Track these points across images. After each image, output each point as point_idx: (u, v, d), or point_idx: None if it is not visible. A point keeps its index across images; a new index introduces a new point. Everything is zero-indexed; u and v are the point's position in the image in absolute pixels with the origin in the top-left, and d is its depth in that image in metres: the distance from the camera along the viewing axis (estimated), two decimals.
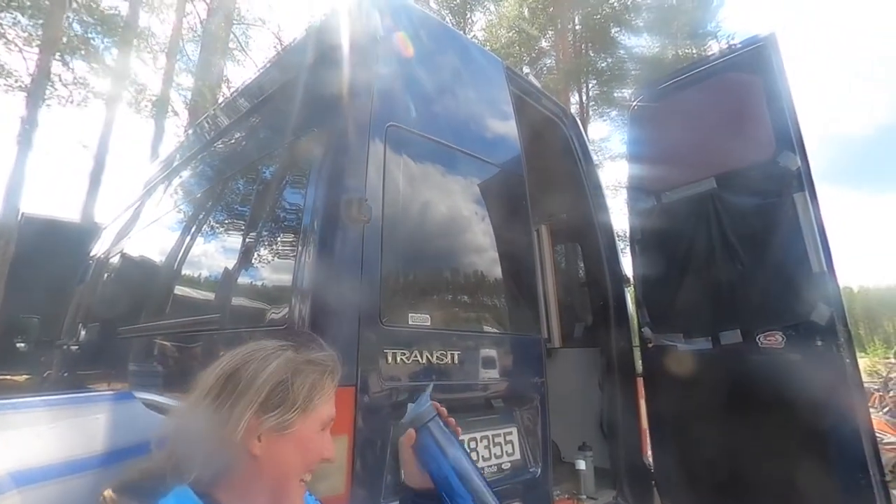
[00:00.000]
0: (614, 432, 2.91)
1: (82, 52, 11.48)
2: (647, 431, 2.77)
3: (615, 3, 22.21)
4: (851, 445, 2.07)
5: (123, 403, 0.94)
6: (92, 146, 12.55)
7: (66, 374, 4.06)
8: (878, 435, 3.62)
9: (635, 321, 2.93)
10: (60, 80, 10.98)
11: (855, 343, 2.26)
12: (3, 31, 10.35)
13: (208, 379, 0.82)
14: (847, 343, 2.11)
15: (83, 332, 3.80)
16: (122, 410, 0.92)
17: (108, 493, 0.78)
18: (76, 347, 3.86)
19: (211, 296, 2.24)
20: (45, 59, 10.17)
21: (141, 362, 2.64)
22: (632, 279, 2.97)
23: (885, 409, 4.81)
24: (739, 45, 2.68)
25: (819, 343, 2.14)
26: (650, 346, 2.71)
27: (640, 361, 2.83)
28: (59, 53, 10.59)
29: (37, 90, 9.22)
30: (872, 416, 2.54)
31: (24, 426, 0.76)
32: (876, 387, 5.51)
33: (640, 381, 2.83)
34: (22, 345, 4.90)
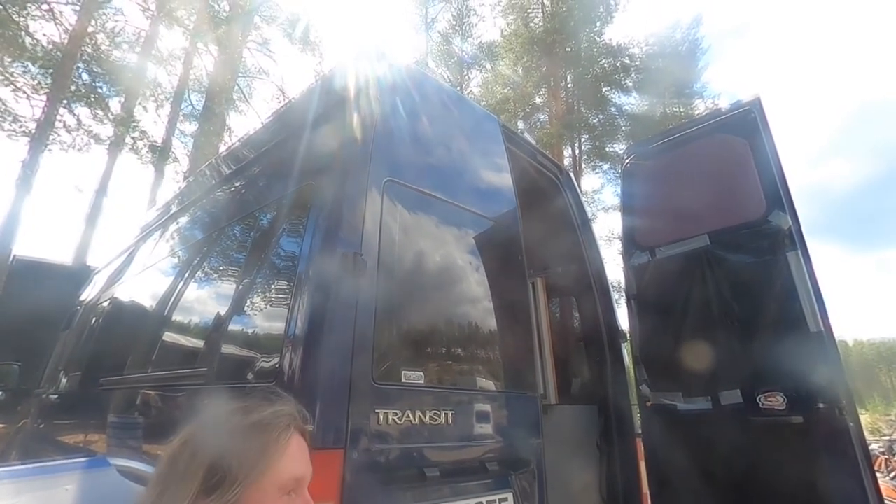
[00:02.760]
0: (614, 496, 2.79)
1: (90, 100, 11.79)
2: (648, 496, 2.65)
3: (605, 64, 23.32)
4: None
5: (96, 472, 0.88)
6: (90, 190, 12.66)
7: (42, 425, 3.89)
8: (886, 502, 3.49)
9: (633, 377, 2.87)
10: (65, 127, 11.20)
11: (854, 399, 2.21)
12: (13, 78, 10.65)
13: (161, 460, 0.77)
14: (849, 405, 2.06)
15: (64, 381, 3.68)
16: (94, 480, 0.86)
17: None
18: (55, 397, 3.72)
19: (198, 348, 2.18)
20: (52, 107, 10.43)
21: (122, 417, 2.53)
22: (628, 334, 2.94)
23: (892, 474, 4.65)
24: (726, 109, 2.78)
25: (821, 405, 2.10)
26: (648, 405, 2.64)
27: (640, 421, 2.75)
28: (65, 101, 10.86)
29: (41, 136, 9.38)
30: (880, 482, 2.45)
31: None
32: (881, 449, 5.36)
33: (640, 441, 2.74)
34: (0, 393, 4.72)
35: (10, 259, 7.11)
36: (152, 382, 2.33)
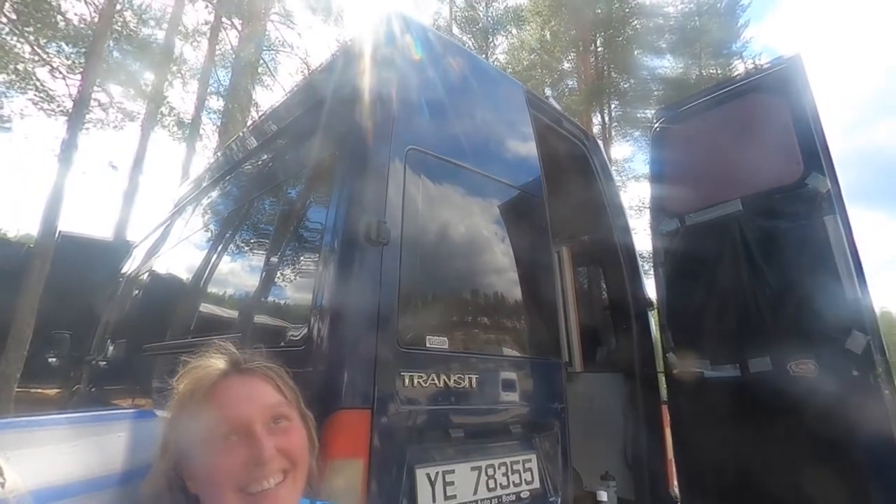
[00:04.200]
0: (639, 462, 2.81)
1: (121, 78, 12.05)
2: (673, 461, 2.66)
3: (637, 25, 22.30)
4: (893, 482, 1.96)
5: (145, 421, 0.96)
6: (126, 167, 13.06)
7: (93, 390, 4.16)
8: None
9: (659, 346, 2.85)
10: (99, 105, 11.51)
11: (894, 371, 2.16)
12: (49, 58, 10.95)
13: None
14: (886, 373, 2.01)
15: (111, 349, 3.90)
16: (142, 429, 0.93)
17: None
18: (104, 363, 3.95)
19: (232, 314, 2.27)
20: (87, 85, 10.70)
21: (164, 379, 2.68)
22: (655, 302, 2.91)
23: None
24: (764, 67, 2.65)
25: (855, 373, 2.05)
26: (675, 372, 2.63)
27: (665, 388, 2.74)
28: (99, 79, 11.11)
29: (77, 114, 9.67)
30: None
31: (46, 444, 0.78)
32: None
33: (665, 408, 2.75)
34: (54, 359, 5.05)
35: (57, 235, 7.46)
36: (190, 348, 2.45)
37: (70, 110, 10.36)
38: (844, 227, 2.15)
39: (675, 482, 2.66)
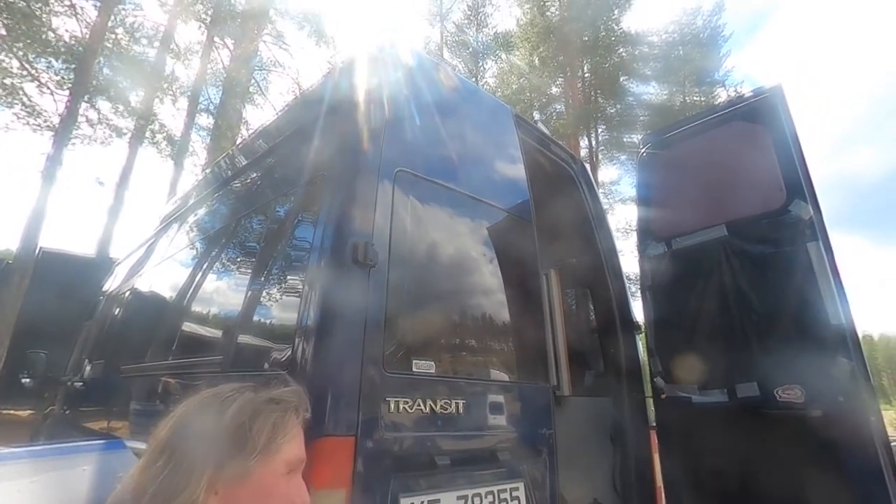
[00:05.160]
0: (628, 489, 2.77)
1: (110, 94, 12.00)
2: (662, 489, 2.63)
3: (623, 53, 22.93)
4: None
5: (113, 454, 0.91)
6: (112, 182, 12.92)
7: (67, 412, 4.02)
8: None
9: (647, 370, 2.84)
10: (87, 121, 11.43)
11: (878, 395, 2.16)
12: (37, 74, 10.90)
13: (162, 435, 0.77)
14: (871, 400, 2.02)
15: (88, 369, 3.78)
16: (110, 461, 0.88)
17: None
18: (80, 384, 3.83)
19: (215, 335, 2.22)
20: (75, 101, 10.64)
21: (141, 403, 2.60)
22: (643, 326, 2.91)
23: None
24: (746, 96, 2.71)
25: (841, 399, 2.05)
26: (663, 397, 2.62)
27: (654, 413, 2.72)
28: (87, 95, 11.07)
29: (64, 130, 9.59)
30: None
31: (4, 479, 0.74)
32: None
33: (654, 433, 2.72)
34: (27, 380, 4.89)
35: (37, 251, 7.31)
36: (170, 370, 2.39)
37: (56, 126, 10.27)
38: (827, 254, 2.17)
39: None
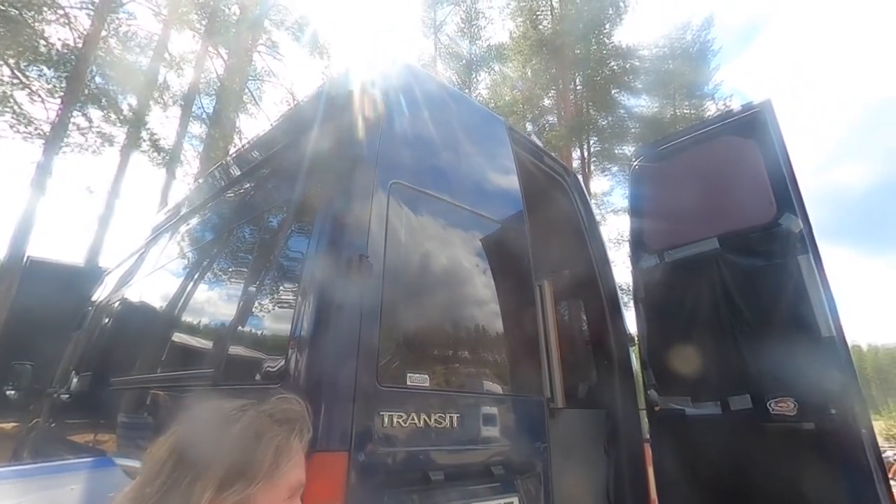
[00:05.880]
0: (622, 501, 2.76)
1: (103, 103, 11.96)
2: (656, 501, 2.62)
3: (615, 66, 23.25)
4: None
5: (101, 472, 0.88)
6: (103, 192, 12.82)
7: (53, 425, 3.93)
8: None
9: (641, 382, 2.84)
10: (78, 129, 11.36)
11: (868, 405, 2.18)
12: (28, 82, 10.83)
13: (160, 453, 0.74)
14: (862, 412, 2.03)
15: (75, 381, 3.71)
16: (99, 480, 0.86)
17: None
18: (67, 396, 3.76)
19: (206, 349, 2.19)
20: (66, 109, 10.59)
21: (131, 417, 2.56)
22: (636, 338, 2.91)
23: None
24: (736, 111, 2.75)
25: (833, 412, 2.06)
26: (657, 409, 2.62)
27: (647, 425, 2.72)
28: (79, 104, 11.02)
29: (55, 138, 9.53)
30: (894, 490, 2.40)
31: None
32: (895, 456, 5.26)
33: (647, 445, 2.72)
34: (12, 392, 4.79)
35: (25, 260, 7.21)
36: (161, 383, 2.35)
37: (47, 134, 10.20)
38: (817, 267, 2.20)
39: None
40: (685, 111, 24.37)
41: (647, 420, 2.73)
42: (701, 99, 24.94)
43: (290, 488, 0.77)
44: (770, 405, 2.21)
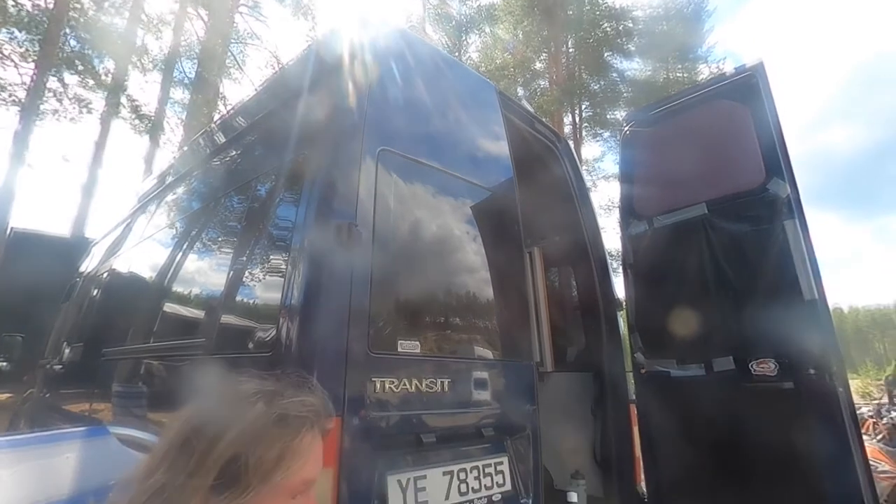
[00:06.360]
0: (608, 460, 2.86)
1: (78, 68, 11.51)
2: (641, 459, 2.72)
3: (608, 28, 22.70)
4: (845, 474, 2.05)
5: (96, 441, 0.90)
6: (85, 161, 12.51)
7: (48, 395, 3.96)
8: (872, 463, 3.59)
9: (628, 345, 2.90)
10: (55, 95, 10.98)
11: (846, 365, 2.25)
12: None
13: (167, 438, 0.72)
14: (840, 372, 2.10)
15: (67, 352, 3.72)
16: (94, 448, 0.87)
17: None
18: (60, 367, 3.77)
19: (198, 319, 2.20)
20: (41, 74, 10.19)
21: (124, 386, 2.58)
22: (624, 303, 2.96)
23: (879, 437, 4.77)
24: (728, 74, 2.72)
25: (811, 371, 2.13)
26: (643, 371, 2.68)
27: (634, 387, 2.79)
28: (54, 69, 10.61)
29: (31, 104, 9.20)
30: (867, 444, 2.52)
31: None
32: (870, 413, 5.49)
33: (633, 407, 2.80)
34: (4, 364, 4.79)
35: (8, 232, 7.07)
36: (153, 353, 2.36)
37: (23, 101, 9.85)
38: (803, 231, 2.22)
39: (643, 479, 2.71)
40: (678, 74, 24.02)
41: (633, 382, 2.81)
42: (694, 62, 24.56)
43: (292, 491, 0.73)
44: (752, 366, 2.27)
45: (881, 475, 3.82)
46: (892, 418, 4.77)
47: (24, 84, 10.37)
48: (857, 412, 2.38)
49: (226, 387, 0.77)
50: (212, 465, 0.67)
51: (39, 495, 0.74)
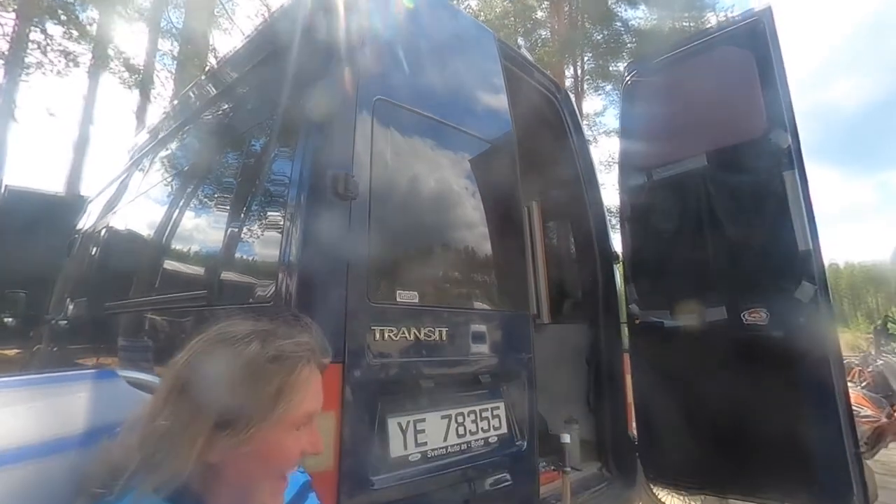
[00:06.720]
0: (600, 406, 2.97)
1: (62, 17, 11.04)
2: (632, 405, 2.82)
3: None
4: (829, 418, 2.13)
5: (105, 382, 0.93)
6: (75, 118, 12.23)
7: (55, 349, 4.05)
8: (855, 408, 3.72)
9: (623, 298, 2.95)
10: (39, 47, 10.59)
11: (838, 319, 2.29)
12: None
13: (167, 382, 0.74)
14: (829, 320, 2.14)
15: (71, 307, 3.78)
16: (103, 389, 0.91)
17: None
18: (64, 322, 3.84)
19: (198, 271, 2.22)
20: (23, 24, 9.81)
21: (128, 338, 2.63)
22: (621, 256, 2.99)
23: (864, 384, 4.94)
24: (734, 20, 2.63)
25: (801, 319, 2.18)
26: (637, 322, 2.74)
27: (627, 337, 2.86)
28: (36, 18, 10.19)
29: (14, 57, 8.90)
30: (851, 391, 2.60)
31: (1, 406, 0.76)
32: (857, 361, 5.66)
33: (627, 356, 2.88)
34: (10, 320, 4.87)
35: (2, 189, 7.01)
36: (155, 305, 2.40)
37: (6, 53, 9.52)
38: (801, 182, 2.22)
39: (634, 425, 2.83)
40: (685, 24, 23.13)
41: (627, 333, 2.87)
42: (701, 10, 23.54)
43: (295, 423, 0.76)
44: (744, 315, 2.32)
45: (863, 419, 3.97)
46: (877, 366, 4.93)
47: (7, 35, 9.99)
48: (845, 361, 2.44)
49: (220, 330, 0.78)
50: (213, 405, 0.69)
51: (58, 429, 0.78)
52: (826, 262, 2.29)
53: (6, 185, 7.08)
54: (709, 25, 21.57)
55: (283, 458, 0.76)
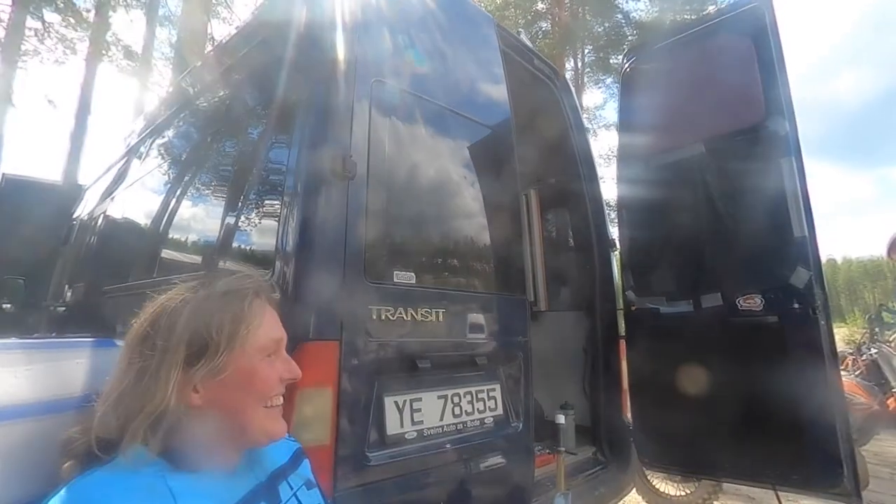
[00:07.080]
0: (596, 392, 2.99)
1: (58, 4, 10.95)
2: (628, 391, 2.84)
3: None
4: (822, 405, 2.15)
5: (103, 349, 0.94)
6: (72, 108, 12.16)
7: (54, 335, 4.06)
8: (848, 396, 3.76)
9: (620, 285, 2.96)
10: (36, 34, 10.52)
11: (835, 314, 2.31)
12: None
13: (128, 340, 0.79)
14: (823, 306, 2.15)
15: (70, 293, 3.78)
16: (102, 356, 0.92)
17: (66, 466, 0.73)
18: (63, 308, 3.85)
19: (196, 251, 2.22)
20: (20, 11, 9.73)
21: (126, 323, 2.64)
22: (618, 243, 3.00)
23: (857, 373, 4.98)
24: (734, 5, 2.62)
25: (796, 306, 2.19)
26: (633, 308, 2.76)
27: (623, 324, 2.88)
28: (32, 6, 10.11)
29: (11, 44, 8.84)
30: (844, 379, 2.63)
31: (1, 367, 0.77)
32: (850, 351, 5.69)
33: (623, 342, 2.90)
34: (9, 306, 4.88)
35: (0, 178, 6.98)
36: (154, 289, 2.40)
37: (2, 40, 9.45)
38: (798, 169, 2.22)
39: (629, 410, 2.85)
40: (686, 16, 23.01)
41: (623, 319, 2.89)
42: (703, 2, 23.47)
43: (263, 348, 0.81)
44: (738, 302, 2.34)
45: (856, 407, 4.01)
46: (870, 355, 4.97)
47: (3, 22, 9.92)
48: (839, 350, 2.46)
49: (167, 294, 0.83)
50: (178, 343, 0.74)
51: (57, 390, 0.80)
52: (823, 258, 2.30)
53: (3, 174, 7.06)
54: (707, 12, 21.46)
55: (263, 383, 0.80)
